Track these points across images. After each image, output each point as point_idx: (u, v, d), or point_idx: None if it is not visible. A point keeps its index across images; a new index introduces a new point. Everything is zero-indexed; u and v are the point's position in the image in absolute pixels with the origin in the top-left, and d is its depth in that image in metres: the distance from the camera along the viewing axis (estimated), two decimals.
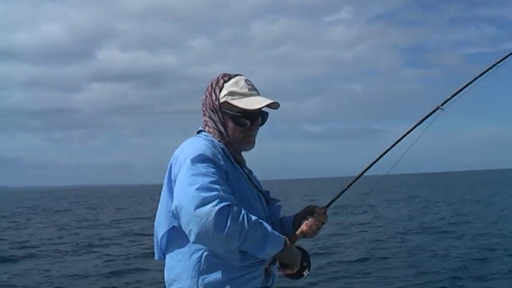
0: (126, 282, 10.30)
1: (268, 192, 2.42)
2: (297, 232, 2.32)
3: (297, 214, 2.41)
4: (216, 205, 1.90)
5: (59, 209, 41.24)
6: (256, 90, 2.29)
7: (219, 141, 2.26)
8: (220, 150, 2.21)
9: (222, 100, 2.25)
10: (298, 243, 2.33)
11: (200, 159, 2.06)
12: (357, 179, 2.50)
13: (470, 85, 2.64)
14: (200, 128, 2.35)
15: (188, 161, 2.05)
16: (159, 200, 2.25)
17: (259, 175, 2.50)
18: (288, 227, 2.39)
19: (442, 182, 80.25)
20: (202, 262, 2.10)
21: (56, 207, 44.68)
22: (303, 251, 2.24)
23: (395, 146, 2.56)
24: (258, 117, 2.29)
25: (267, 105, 2.26)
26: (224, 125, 2.27)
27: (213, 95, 2.28)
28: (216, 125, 2.28)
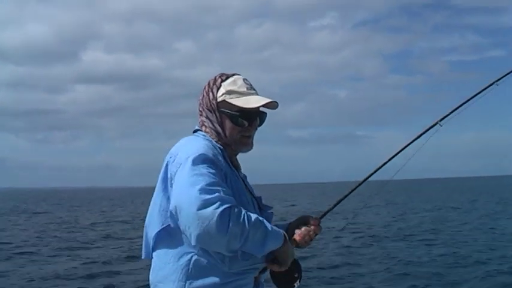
0: (105, 285, 10.30)
1: (260, 198, 2.36)
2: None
3: (290, 223, 2.36)
4: (217, 207, 1.85)
5: (40, 211, 40.81)
6: (254, 89, 2.24)
7: (216, 141, 2.19)
8: (219, 151, 2.15)
9: (219, 99, 2.20)
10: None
11: (201, 159, 1.99)
12: (353, 191, 2.50)
13: (469, 102, 2.67)
14: (196, 127, 2.28)
15: (189, 161, 1.98)
16: (148, 203, 2.18)
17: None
18: None
19: (423, 188, 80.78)
20: (190, 266, 2.03)
21: (37, 209, 44.20)
22: (297, 262, 2.23)
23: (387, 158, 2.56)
24: (256, 117, 2.24)
25: (266, 106, 2.22)
26: (221, 125, 2.20)
27: (211, 94, 2.22)
28: (213, 125, 2.21)
